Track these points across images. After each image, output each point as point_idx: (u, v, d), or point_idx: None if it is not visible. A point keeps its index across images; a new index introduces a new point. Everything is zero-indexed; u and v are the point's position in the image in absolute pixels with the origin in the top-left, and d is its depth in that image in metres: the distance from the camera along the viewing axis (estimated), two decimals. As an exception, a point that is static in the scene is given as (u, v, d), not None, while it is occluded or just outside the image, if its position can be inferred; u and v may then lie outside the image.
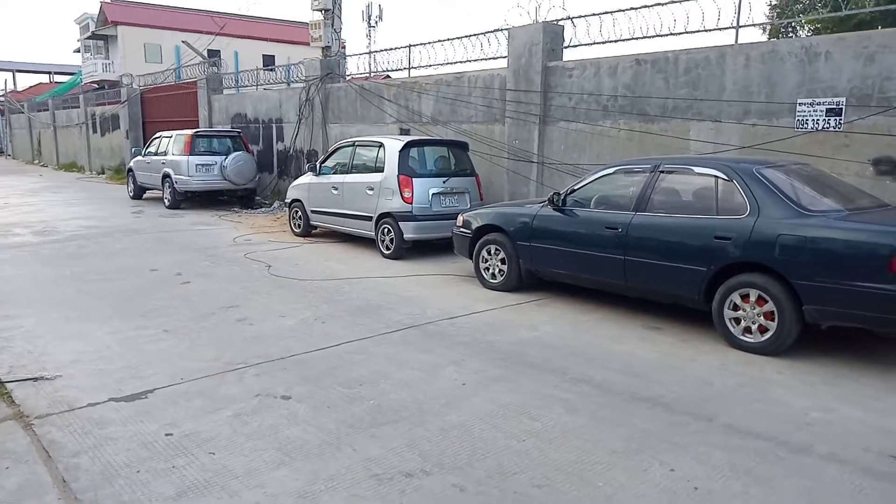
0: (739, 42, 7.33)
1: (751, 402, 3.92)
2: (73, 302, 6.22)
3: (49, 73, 50.40)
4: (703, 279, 5.03)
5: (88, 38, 39.31)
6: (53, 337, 5.16)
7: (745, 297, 4.82)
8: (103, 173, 23.02)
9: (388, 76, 13.12)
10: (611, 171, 6.00)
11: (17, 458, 3.25)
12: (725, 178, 5.09)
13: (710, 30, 7.51)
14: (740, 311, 4.85)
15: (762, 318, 4.73)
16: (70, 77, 43.51)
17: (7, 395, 4.03)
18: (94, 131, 24.41)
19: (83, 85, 36.90)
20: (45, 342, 5.02)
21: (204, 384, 4.19)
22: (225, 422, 3.64)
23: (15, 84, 48.89)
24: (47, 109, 29.40)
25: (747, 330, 4.83)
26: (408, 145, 8.57)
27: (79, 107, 25.80)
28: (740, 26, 7.28)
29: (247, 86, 16.89)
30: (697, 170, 5.36)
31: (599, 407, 3.85)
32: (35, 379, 4.28)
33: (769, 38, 18.15)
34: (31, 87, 47.77)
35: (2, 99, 39.41)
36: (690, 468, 3.09)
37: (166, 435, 3.48)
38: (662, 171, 5.55)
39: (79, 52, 42.01)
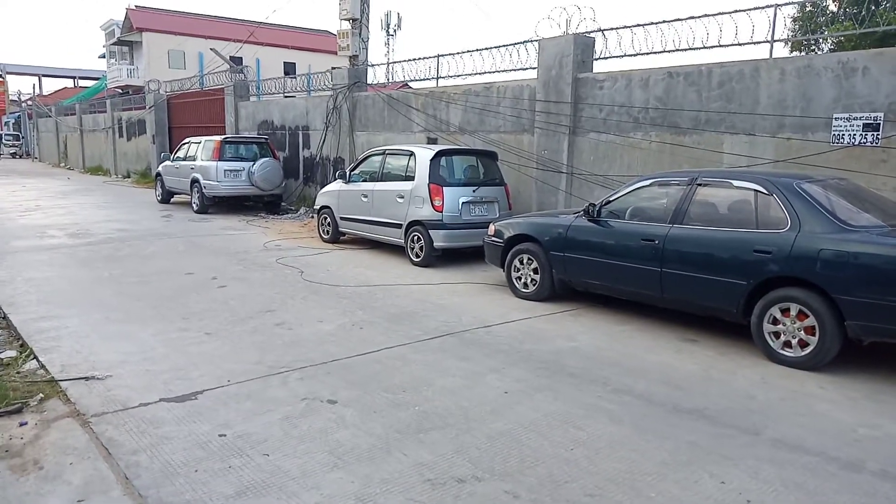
0: (774, 56, 7.35)
1: (795, 416, 3.93)
2: (114, 303, 6.35)
3: (74, 77, 51.26)
4: (742, 293, 5.04)
5: (114, 44, 40.01)
6: (99, 337, 5.28)
7: (785, 312, 4.83)
8: (129, 177, 23.38)
9: (407, 85, 13.24)
10: (647, 182, 6.04)
11: (79, 454, 3.34)
12: (765, 192, 5.11)
13: (744, 43, 7.53)
14: (780, 326, 4.86)
15: (803, 332, 4.73)
16: (95, 82, 44.24)
17: (62, 393, 4.14)
18: (121, 136, 24.81)
19: (108, 90, 37.49)
20: (92, 342, 5.14)
21: (250, 387, 4.28)
22: (275, 424, 3.72)
23: (41, 88, 49.79)
24: (74, 114, 29.93)
25: (787, 344, 4.83)
26: (438, 154, 8.65)
27: (105, 111, 26.23)
28: (775, 40, 7.30)
29: (271, 93, 17.12)
30: (736, 183, 5.38)
31: (643, 418, 3.88)
32: (87, 378, 4.39)
33: (791, 53, 18.09)
34: (56, 91, 48.61)
35: (29, 103, 40.12)
36: (741, 481, 3.11)
37: (220, 435, 3.56)
38: (700, 184, 5.58)
39: (104, 57, 42.76)
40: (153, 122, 21.00)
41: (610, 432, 3.66)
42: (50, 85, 51.53)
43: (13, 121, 46.77)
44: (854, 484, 3.12)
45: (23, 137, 43.72)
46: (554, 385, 4.38)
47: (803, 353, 4.74)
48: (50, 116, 33.25)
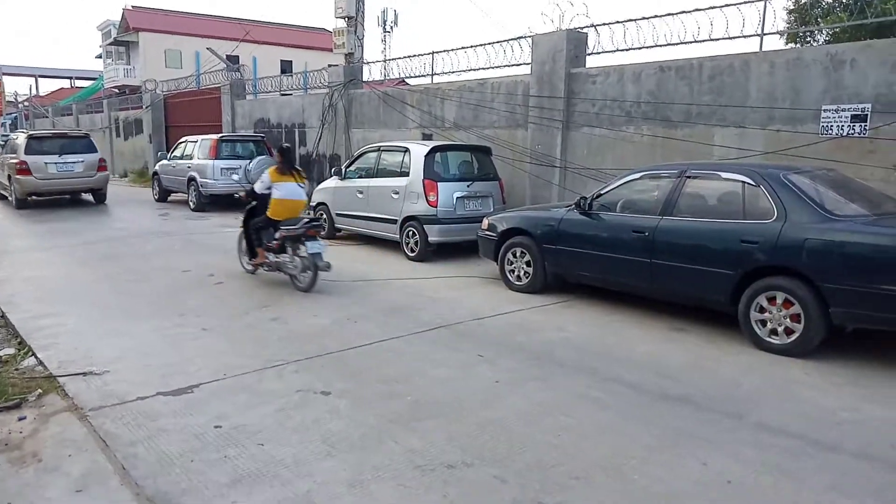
0: (764, 49, 7.42)
1: (780, 401, 4.01)
2: (112, 301, 6.42)
3: (70, 78, 51.21)
4: (730, 282, 5.12)
5: (111, 44, 40.01)
6: (97, 334, 5.35)
7: (771, 300, 4.91)
8: (126, 176, 23.42)
9: (404, 81, 13.29)
10: (637, 175, 6.11)
11: (77, 446, 3.42)
12: (753, 183, 5.18)
13: (734, 37, 7.60)
14: (767, 314, 4.94)
15: (788, 320, 4.81)
16: (91, 82, 44.22)
17: (60, 388, 4.21)
18: (118, 135, 24.86)
19: (105, 90, 37.51)
20: (90, 339, 5.21)
21: (246, 380, 4.35)
22: (270, 415, 3.79)
23: (37, 89, 49.76)
24: (71, 114, 29.94)
25: (773, 332, 4.91)
26: (433, 150, 8.72)
27: (102, 111, 26.27)
28: (765, 34, 7.37)
29: (268, 92, 17.17)
30: (725, 175, 5.46)
31: (631, 405, 3.96)
32: (84, 374, 4.47)
33: (787, 45, 18.13)
34: (52, 91, 48.56)
35: (26, 104, 40.12)
36: (723, 464, 3.20)
37: (215, 427, 3.63)
38: (689, 177, 5.65)
39: (100, 57, 42.74)
40: (150, 121, 21.06)
41: (597, 419, 3.74)
42: (47, 85, 51.52)
43: (10, 122, 46.76)
44: (832, 464, 3.21)
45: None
46: (544, 375, 4.46)
47: (789, 341, 4.82)
48: (47, 117, 33.25)
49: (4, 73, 48.16)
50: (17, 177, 13.33)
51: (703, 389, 4.21)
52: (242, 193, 8.50)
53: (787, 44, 18.39)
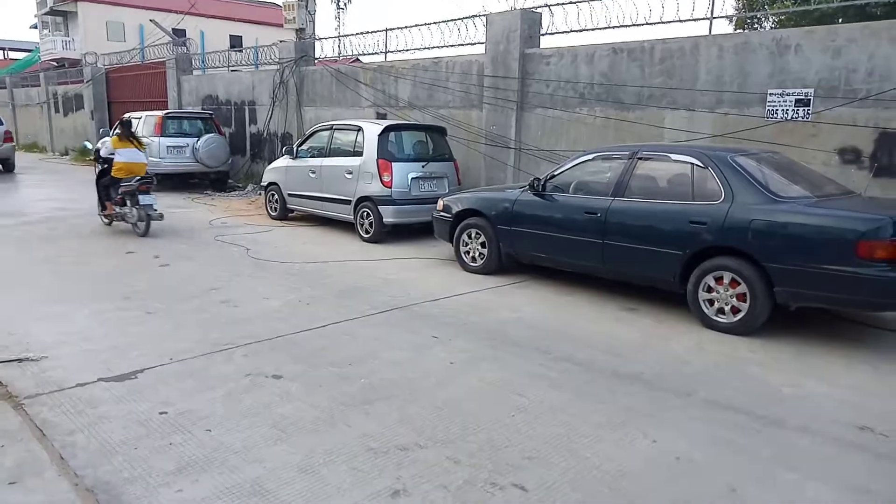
0: (713, 33, 7.53)
1: (727, 378, 4.12)
2: (50, 284, 6.15)
3: (3, 49, 48.62)
4: (678, 263, 5.21)
5: (46, 13, 38.03)
6: (34, 319, 5.11)
7: (718, 280, 5.02)
8: (67, 154, 22.44)
9: (358, 59, 13.06)
10: (590, 157, 6.15)
11: (10, 436, 3.25)
12: (701, 165, 5.27)
13: (684, 20, 7.69)
14: (714, 293, 5.06)
15: (735, 299, 4.94)
16: (27, 54, 42.03)
17: (-7, 376, 4.01)
18: (57, 111, 23.75)
19: (42, 62, 35.71)
20: (26, 323, 4.97)
21: (193, 364, 4.22)
22: (218, 400, 3.69)
23: (-32, 60, 47.09)
24: (4, 87, 28.43)
25: (720, 311, 5.03)
26: (387, 129, 8.60)
27: (39, 85, 25.03)
28: (714, 17, 7.48)
29: (215, 67, 16.64)
30: (674, 157, 5.53)
31: (583, 383, 4.00)
32: (20, 360, 4.26)
33: (735, 30, 18.52)
34: (-16, 64, 46.02)
35: (-45, 76, 37.91)
36: (672, 440, 3.26)
37: (160, 413, 3.51)
38: (640, 158, 5.71)
39: (36, 28, 40.60)
40: (91, 96, 20.18)
41: (550, 398, 3.77)
42: (-24, 58, 48.79)
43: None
44: (776, 439, 3.31)
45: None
46: (498, 355, 4.46)
47: (735, 319, 4.95)
48: (-22, 91, 31.52)
49: (-70, 44, 45.41)
50: None
51: (654, 368, 4.29)
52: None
53: (735, 29, 18.78)
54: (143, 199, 8.30)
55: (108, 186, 8.78)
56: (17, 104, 27.24)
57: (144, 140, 13.23)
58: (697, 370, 4.27)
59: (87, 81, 20.30)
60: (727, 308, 4.99)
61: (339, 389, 3.86)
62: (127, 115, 14.45)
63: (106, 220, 9.10)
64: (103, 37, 34.95)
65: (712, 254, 5.07)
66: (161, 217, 8.45)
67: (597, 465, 3.00)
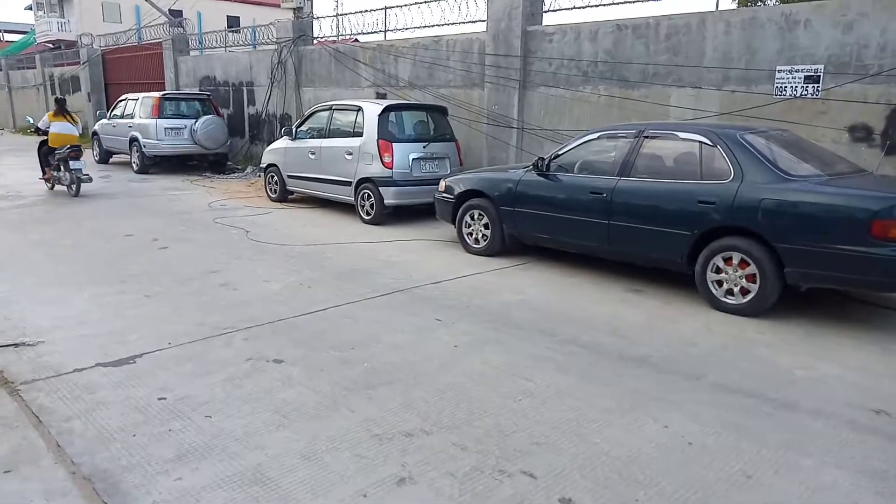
0: (720, 9, 7.36)
1: (736, 360, 4.04)
2: (47, 267, 6.06)
3: (-1, 31, 48.08)
4: (686, 243, 5.11)
5: (42, -6, 37.55)
6: (30, 302, 5.03)
7: (727, 261, 4.93)
8: (64, 137, 22.22)
9: (357, 39, 12.86)
10: (595, 136, 6.02)
11: (6, 423, 3.18)
12: (710, 143, 5.15)
13: (691, -5, 7.50)
14: (723, 274, 4.96)
15: (744, 280, 4.84)
16: (22, 36, 41.54)
17: (-12, 361, 3.93)
18: (53, 93, 23.48)
19: (37, 44, 35.32)
20: (22, 308, 4.89)
21: (192, 349, 4.14)
22: (218, 385, 3.61)
23: (-37, 43, 46.58)
24: (0, 70, 28.14)
25: (729, 292, 4.94)
26: (387, 109, 8.45)
27: (35, 67, 24.76)
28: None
29: (213, 47, 16.41)
30: (682, 135, 5.41)
31: (589, 367, 3.93)
32: (16, 345, 4.18)
33: (739, 6, 18.23)
34: (-21, 46, 45.51)
35: (-50, 58, 37.51)
36: (682, 424, 3.18)
37: (159, 399, 3.44)
38: (647, 137, 5.59)
39: (30, 9, 40.09)
40: (87, 78, 19.94)
41: (557, 382, 3.69)
42: (-28, 39, 48.23)
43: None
44: (788, 422, 3.23)
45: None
46: (502, 338, 4.38)
47: (745, 301, 4.86)
48: (-26, 73, 31.20)
49: (-76, 26, 44.89)
50: None
51: (661, 350, 4.21)
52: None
53: (738, 5, 18.49)
54: (73, 164, 9.76)
55: (47, 154, 10.25)
56: (13, 86, 26.98)
57: (140, 121, 13.20)
58: (706, 352, 4.20)
59: (83, 63, 20.06)
60: (736, 289, 4.90)
61: (342, 374, 3.78)
62: (124, 97, 14.32)
63: (49, 185, 10.50)
64: (99, 18, 34.54)
65: (721, 234, 4.97)
66: (90, 180, 10.04)
67: (606, 450, 2.93)
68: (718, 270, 4.99)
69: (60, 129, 10.08)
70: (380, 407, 3.36)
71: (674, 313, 4.96)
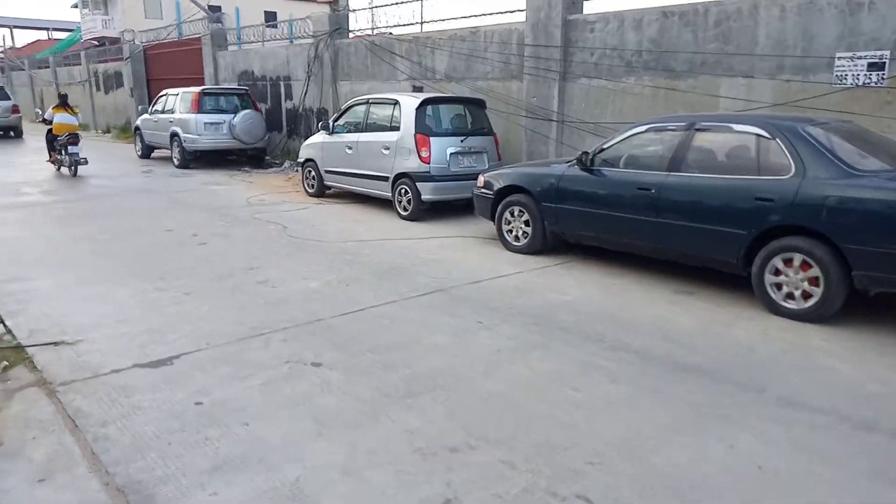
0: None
1: (799, 371, 3.77)
2: (88, 263, 6.08)
3: (47, 29, 49.36)
4: (742, 243, 4.83)
5: (87, -8, 38.36)
6: (71, 299, 5.03)
7: (788, 262, 4.63)
8: (108, 132, 22.69)
9: (391, 32, 12.70)
10: (642, 129, 5.75)
11: (43, 427, 3.13)
12: (768, 136, 4.85)
13: (744, -20, 7.13)
14: (782, 277, 4.67)
15: (806, 283, 4.55)
16: (69, 34, 42.57)
17: (28, 360, 3.91)
18: (98, 89, 23.99)
19: (83, 42, 36.12)
20: (63, 304, 4.89)
21: (230, 349, 4.06)
22: (256, 389, 3.52)
23: (13, 41, 47.95)
24: (48, 67, 28.85)
25: (790, 296, 4.65)
26: (424, 103, 8.29)
27: (80, 64, 25.29)
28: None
29: (251, 42, 16.46)
30: (737, 128, 5.11)
31: (641, 375, 3.71)
32: (56, 343, 4.16)
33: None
34: (29, 43, 46.79)
35: (1, 56, 38.65)
36: (749, 445, 2.94)
37: (196, 404, 3.35)
38: (698, 130, 5.30)
39: (77, 7, 41.04)
40: (130, 74, 20.26)
41: (608, 392, 3.49)
42: (23, 37, 49.64)
43: (-15, 75, 45.16)
44: (870, 446, 2.95)
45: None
46: (547, 342, 4.19)
47: (807, 305, 4.57)
48: (23, 69, 32.05)
49: (-23, 24, 46.38)
50: None
51: (717, 358, 3.97)
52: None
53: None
54: (72, 149, 11.58)
55: (52, 141, 12.22)
56: (59, 83, 27.61)
57: (181, 116, 13.30)
58: (766, 361, 3.94)
59: (126, 59, 20.37)
60: (797, 293, 4.60)
61: (381, 379, 3.65)
62: (164, 93, 14.47)
63: (55, 166, 12.46)
64: (141, 14, 35.10)
65: (780, 233, 4.68)
66: (86, 162, 11.75)
67: (667, 473, 2.72)
68: (777, 272, 4.70)
69: (62, 119, 11.94)
70: (421, 417, 3.22)
71: (728, 317, 4.70)
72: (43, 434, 3.07)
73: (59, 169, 12.30)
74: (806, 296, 4.56)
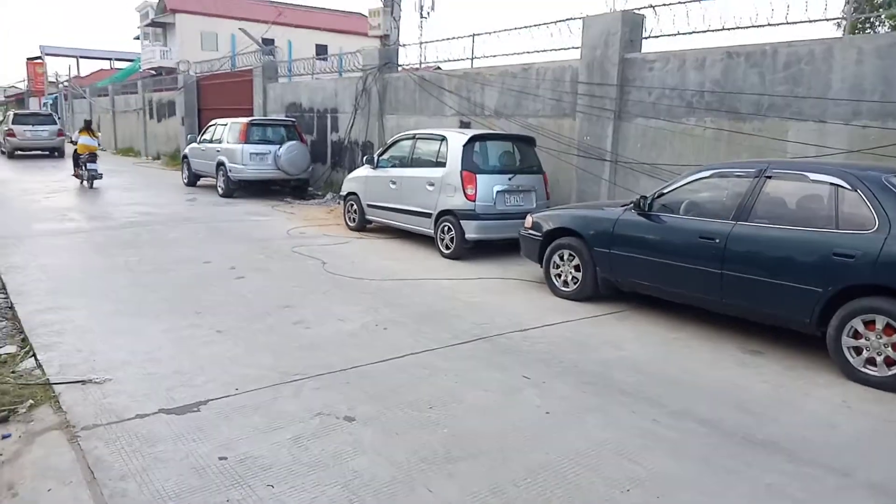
0: (850, 35, 6.60)
1: (890, 451, 3.33)
2: (126, 294, 5.97)
3: (110, 59, 51.56)
4: (817, 301, 4.42)
5: (148, 25, 40.03)
6: (104, 332, 4.89)
7: (869, 325, 4.20)
8: (159, 159, 23.26)
9: (439, 67, 12.65)
10: (707, 174, 5.41)
11: (60, 478, 2.92)
12: (848, 186, 4.46)
13: (815, 20, 6.79)
14: (862, 340, 4.23)
15: (890, 349, 4.10)
16: (129, 63, 44.38)
17: (55, 399, 3.75)
18: (151, 117, 24.71)
19: (142, 71, 37.54)
20: (96, 338, 4.75)
21: (260, 397, 3.82)
22: (283, 445, 3.25)
23: (78, 70, 50.19)
24: (107, 95, 29.96)
25: (870, 361, 4.20)
26: (472, 139, 8.09)
27: (137, 92, 26.16)
28: (853, 17, 6.55)
29: (300, 75, 16.69)
30: (813, 176, 4.73)
31: (709, 449, 3.32)
32: (84, 381, 3.99)
33: (845, 33, 17.00)
34: (93, 73, 48.94)
35: (66, 84, 40.41)
36: (840, 543, 2.55)
37: (220, 459, 3.11)
38: (769, 177, 4.94)
39: (138, 39, 42.83)
40: (182, 103, 20.79)
41: (671, 469, 3.11)
42: (87, 67, 51.94)
43: (51, 101, 47.29)
44: None
45: (59, 118, 44.13)
46: (603, 405, 3.83)
47: (890, 373, 4.11)
48: (84, 97, 33.40)
49: (47, 55, 48.80)
50: (8, 138, 22.25)
51: (793, 431, 3.55)
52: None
53: (844, 33, 17.24)
54: (90, 165, 13.99)
55: (77, 158, 14.34)
56: (116, 111, 28.62)
57: (228, 145, 13.44)
58: (850, 438, 3.50)
59: (179, 89, 20.94)
60: (879, 358, 4.15)
61: (418, 440, 3.35)
62: (213, 122, 14.70)
63: (79, 180, 14.54)
64: (198, 46, 36.36)
65: (861, 293, 4.25)
66: (101, 176, 14.20)
67: (749, 578, 2.34)
68: (857, 335, 4.27)
69: (84, 141, 14.20)
70: (462, 489, 2.89)
71: (802, 383, 4.26)
72: (59, 486, 2.86)
73: (81, 183, 14.40)
74: (889, 363, 4.10)
